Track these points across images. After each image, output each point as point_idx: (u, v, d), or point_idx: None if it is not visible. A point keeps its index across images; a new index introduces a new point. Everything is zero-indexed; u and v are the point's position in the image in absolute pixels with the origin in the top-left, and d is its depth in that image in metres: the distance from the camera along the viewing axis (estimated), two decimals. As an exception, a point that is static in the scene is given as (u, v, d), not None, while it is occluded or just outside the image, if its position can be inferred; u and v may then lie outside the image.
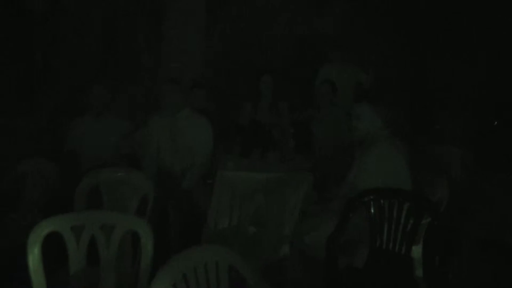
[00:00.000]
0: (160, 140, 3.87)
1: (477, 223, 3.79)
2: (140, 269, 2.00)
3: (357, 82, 5.45)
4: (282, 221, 3.00)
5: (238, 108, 5.04)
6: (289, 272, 3.02)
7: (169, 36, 5.87)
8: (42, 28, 5.94)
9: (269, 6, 6.21)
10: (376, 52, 6.08)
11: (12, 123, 4.91)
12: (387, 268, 2.58)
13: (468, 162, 4.10)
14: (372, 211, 2.60)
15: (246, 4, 6.28)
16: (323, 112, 4.76)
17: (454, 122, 5.45)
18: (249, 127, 4.51)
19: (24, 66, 5.91)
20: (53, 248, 2.07)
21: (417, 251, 2.53)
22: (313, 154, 4.55)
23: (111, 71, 5.77)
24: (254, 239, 3.04)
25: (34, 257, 2.01)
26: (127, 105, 5.21)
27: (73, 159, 3.96)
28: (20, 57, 5.89)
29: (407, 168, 2.97)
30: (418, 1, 6.20)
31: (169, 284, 1.65)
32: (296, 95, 5.66)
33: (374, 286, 2.54)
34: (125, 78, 5.67)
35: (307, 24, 6.50)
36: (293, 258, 3.04)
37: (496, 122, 5.59)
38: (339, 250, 2.59)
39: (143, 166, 3.80)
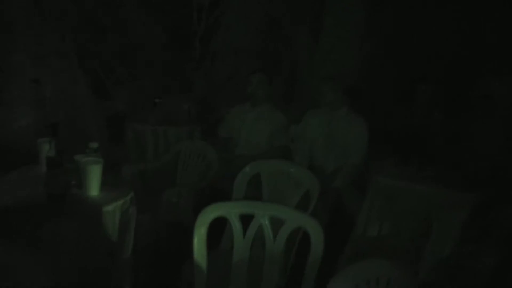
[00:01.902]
0: (314, 137, 3.83)
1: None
2: (307, 268, 1.96)
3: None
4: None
5: (388, 112, 4.84)
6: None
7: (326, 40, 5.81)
8: (206, 17, 6.17)
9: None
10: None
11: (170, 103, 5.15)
12: None
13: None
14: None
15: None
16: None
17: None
18: (404, 134, 4.30)
19: (186, 52, 6.21)
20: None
21: None
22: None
23: (267, 63, 5.82)
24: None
25: (199, 238, 2.07)
26: (282, 98, 5.23)
27: (229, 146, 4.05)
28: (185, 45, 6.19)
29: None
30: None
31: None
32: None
33: None
34: (279, 73, 5.71)
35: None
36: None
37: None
38: None
39: (296, 160, 3.78)
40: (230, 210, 2.12)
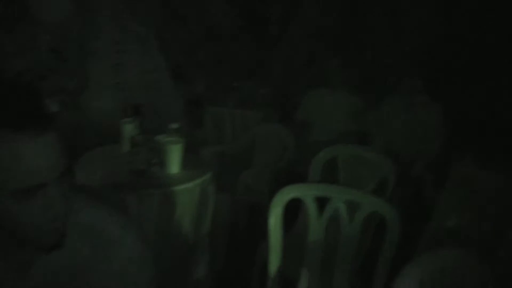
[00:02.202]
0: (392, 123, 3.76)
1: None
2: (382, 254, 1.94)
3: None
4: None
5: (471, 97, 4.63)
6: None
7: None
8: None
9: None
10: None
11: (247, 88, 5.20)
12: None
13: None
14: None
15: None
16: None
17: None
18: (487, 120, 4.12)
19: (263, 36, 6.23)
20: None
21: None
22: None
23: (346, 47, 5.74)
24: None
25: (275, 217, 2.09)
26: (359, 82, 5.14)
27: (305, 129, 4.05)
28: (262, 28, 6.21)
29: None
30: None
31: (416, 279, 1.56)
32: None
33: None
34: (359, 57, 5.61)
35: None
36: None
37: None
38: None
39: (372, 146, 3.73)
40: (306, 192, 2.12)
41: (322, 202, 2.13)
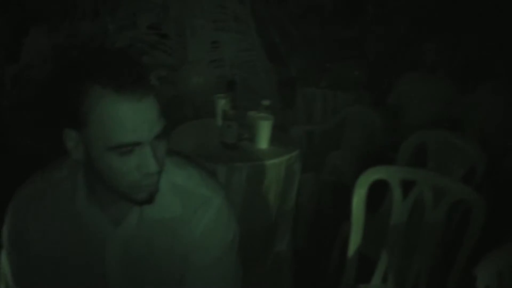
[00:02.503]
0: (488, 110, 3.61)
1: None
2: (465, 241, 1.93)
3: None
4: None
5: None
6: None
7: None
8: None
9: None
10: None
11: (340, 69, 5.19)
12: None
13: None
14: None
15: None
16: None
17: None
18: None
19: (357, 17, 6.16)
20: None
21: None
22: None
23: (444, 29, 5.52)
24: None
25: (359, 198, 2.11)
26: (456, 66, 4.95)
27: (395, 113, 3.99)
28: (356, 9, 6.14)
29: None
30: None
31: (495, 270, 1.54)
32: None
33: None
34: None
35: None
36: None
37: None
38: None
39: (466, 134, 3.60)
40: (393, 174, 2.12)
41: (408, 186, 2.13)
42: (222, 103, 2.77)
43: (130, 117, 0.98)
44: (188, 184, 1.20)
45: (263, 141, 2.58)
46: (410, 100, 3.98)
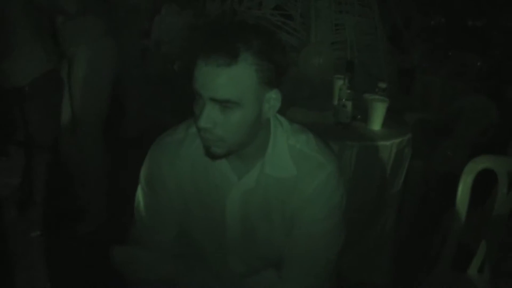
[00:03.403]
0: None
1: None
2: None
3: None
4: None
5: None
6: None
7: None
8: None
9: None
10: None
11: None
12: None
13: None
14: None
15: None
16: None
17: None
18: None
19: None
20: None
21: None
22: None
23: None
24: None
25: (464, 186, 2.11)
26: None
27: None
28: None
29: None
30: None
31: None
32: None
33: None
34: None
35: None
36: None
37: None
38: None
39: None
40: (501, 164, 2.11)
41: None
42: (339, 84, 2.88)
43: (203, 73, 1.15)
44: (306, 149, 1.36)
45: (376, 123, 2.67)
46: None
